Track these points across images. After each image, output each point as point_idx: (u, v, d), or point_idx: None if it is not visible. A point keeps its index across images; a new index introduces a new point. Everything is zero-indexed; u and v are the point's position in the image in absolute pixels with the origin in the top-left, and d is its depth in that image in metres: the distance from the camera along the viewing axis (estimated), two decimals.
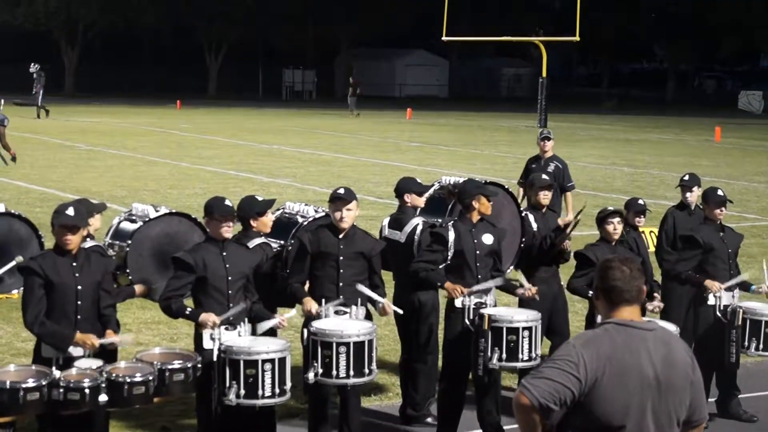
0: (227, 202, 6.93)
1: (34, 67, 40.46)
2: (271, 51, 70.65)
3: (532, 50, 63.58)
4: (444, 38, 44.47)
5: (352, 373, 6.90)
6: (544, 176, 9.11)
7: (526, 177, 12.30)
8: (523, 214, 9.03)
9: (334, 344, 6.87)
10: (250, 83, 68.76)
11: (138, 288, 7.64)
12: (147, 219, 8.30)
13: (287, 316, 7.09)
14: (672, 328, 7.21)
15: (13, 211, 9.42)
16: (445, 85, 74.07)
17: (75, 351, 6.39)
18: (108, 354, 6.61)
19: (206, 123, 40.51)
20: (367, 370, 6.98)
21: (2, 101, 18.24)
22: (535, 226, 8.79)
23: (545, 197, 8.88)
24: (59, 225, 6.39)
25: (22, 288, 7.61)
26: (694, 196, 9.74)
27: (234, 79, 69.02)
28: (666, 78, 75.28)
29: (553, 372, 4.18)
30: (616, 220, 8.14)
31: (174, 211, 8.73)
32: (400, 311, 7.80)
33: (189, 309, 6.83)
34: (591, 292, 7.90)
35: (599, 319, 4.47)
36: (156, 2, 66.02)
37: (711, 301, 8.32)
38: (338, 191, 7.39)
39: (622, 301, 4.33)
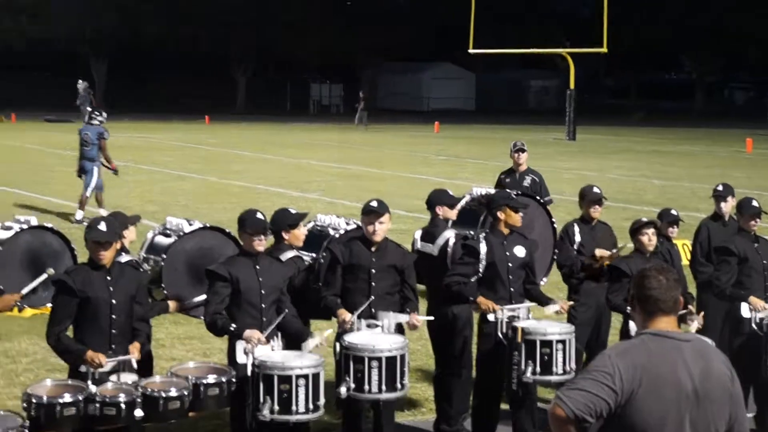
0: (259, 216, 6.93)
1: (82, 85, 40.76)
2: (299, 65, 70.90)
3: (558, 62, 63.39)
4: (470, 51, 44.46)
5: (384, 387, 6.86)
6: (596, 189, 9.00)
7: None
8: (554, 226, 9.00)
9: (366, 359, 6.84)
10: (278, 98, 69.00)
11: (172, 304, 7.66)
12: (181, 233, 8.34)
13: (326, 334, 7.07)
14: (708, 341, 7.14)
15: (45, 224, 9.49)
16: (471, 98, 74.02)
17: (108, 365, 6.39)
18: (143, 368, 6.62)
19: (234, 138, 40.67)
20: (399, 385, 6.94)
21: (104, 114, 18.56)
22: (578, 238, 8.72)
23: (596, 211, 8.83)
24: (92, 241, 6.41)
25: None
26: (728, 207, 9.65)
27: (262, 93, 69.29)
28: (694, 89, 74.94)
29: (588, 383, 4.15)
30: (651, 230, 8.05)
31: (208, 225, 8.77)
32: (431, 318, 7.77)
33: (233, 326, 6.79)
34: (629, 309, 7.85)
35: (634, 331, 4.45)
36: (185, 18, 66.39)
37: (746, 313, 8.24)
38: (371, 204, 7.38)
39: (659, 311, 4.30)
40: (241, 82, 70.25)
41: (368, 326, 7.27)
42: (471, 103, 73.31)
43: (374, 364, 6.84)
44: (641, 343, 4.25)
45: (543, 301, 7.93)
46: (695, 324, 7.89)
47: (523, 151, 12.72)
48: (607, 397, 4.12)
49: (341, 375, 6.96)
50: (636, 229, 8.11)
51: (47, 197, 21.20)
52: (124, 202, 20.25)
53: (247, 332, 6.71)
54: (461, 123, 53.44)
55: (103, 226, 6.42)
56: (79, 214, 17.76)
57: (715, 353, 4.37)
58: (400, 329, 7.43)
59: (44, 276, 7.04)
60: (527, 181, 12.19)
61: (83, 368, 6.36)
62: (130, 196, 21.47)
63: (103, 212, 16.93)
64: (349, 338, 7.00)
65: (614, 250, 8.70)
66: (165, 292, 8.05)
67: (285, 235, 7.49)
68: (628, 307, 7.61)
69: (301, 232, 7.58)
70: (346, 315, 7.22)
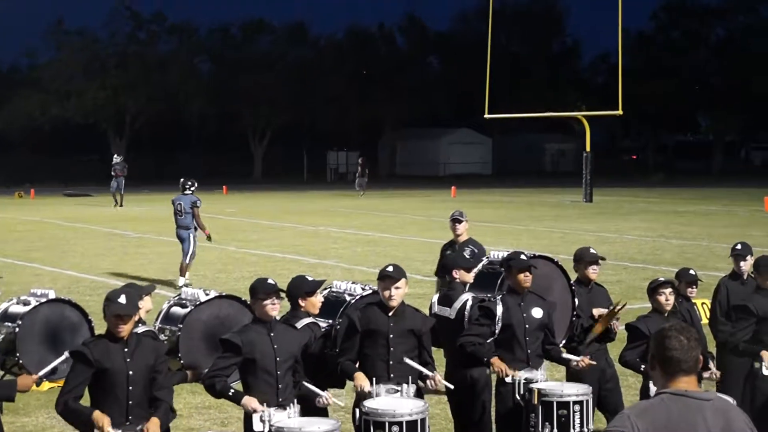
0: (270, 281, 6.95)
1: (117, 158, 41.72)
2: (316, 134, 71.52)
3: (574, 124, 63.69)
4: (486, 116, 44.71)
5: None
6: (593, 250, 9.00)
7: (440, 266, 10.24)
8: (573, 288, 8.95)
9: (387, 424, 6.78)
10: (295, 166, 69.50)
11: (190, 373, 7.63)
12: (197, 303, 8.33)
13: (333, 400, 7.03)
14: (730, 400, 7.07)
15: (63, 297, 9.50)
16: (488, 162, 74.35)
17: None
18: None
19: (252, 207, 40.84)
20: None
21: (195, 184, 19.05)
22: (576, 302, 8.71)
23: (594, 272, 8.80)
24: (112, 314, 6.40)
25: None
26: (747, 265, 9.60)
27: (279, 162, 69.81)
28: (712, 149, 75.00)
29: None
30: (668, 290, 8.01)
31: (224, 294, 8.77)
32: (451, 386, 7.73)
33: (233, 390, 6.82)
34: (643, 366, 7.80)
35: (653, 390, 4.40)
36: (202, 90, 67.31)
37: (766, 371, 8.16)
38: (387, 269, 7.39)
39: (680, 371, 4.25)
40: (257, 153, 70.82)
41: (387, 391, 7.23)
42: (488, 167, 73.63)
43: (395, 429, 6.78)
44: (661, 403, 4.20)
45: (563, 361, 7.91)
46: (711, 371, 7.83)
47: (459, 221, 11.89)
48: None
49: None
50: (653, 289, 8.08)
51: (64, 270, 21.28)
52: (142, 272, 20.32)
53: (245, 399, 6.73)
54: (478, 187, 53.57)
55: (123, 299, 6.42)
56: (181, 281, 18.43)
57: (736, 412, 4.32)
58: (419, 394, 7.38)
59: (62, 358, 7.04)
60: (467, 252, 11.21)
61: None
62: (149, 267, 21.53)
63: (182, 281, 18.16)
64: (369, 403, 6.96)
65: (612, 308, 8.65)
66: (182, 362, 8.02)
67: (301, 303, 7.49)
68: (643, 366, 7.59)
69: (317, 300, 7.58)
70: (364, 381, 7.18)
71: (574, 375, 8.22)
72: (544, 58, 75.36)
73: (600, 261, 8.88)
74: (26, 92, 65.02)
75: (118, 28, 68.90)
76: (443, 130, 73.40)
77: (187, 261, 18.72)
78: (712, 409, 4.19)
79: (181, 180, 19.43)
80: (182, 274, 18.71)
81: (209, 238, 19.17)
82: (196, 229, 18.81)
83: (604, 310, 8.60)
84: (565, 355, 7.98)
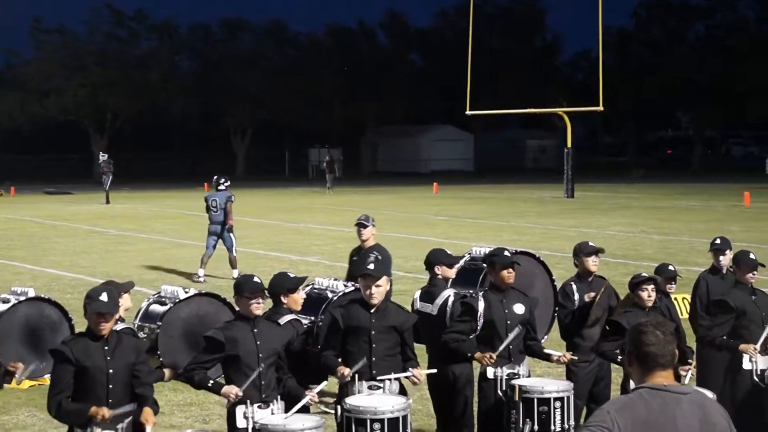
0: (256, 279, 6.94)
1: (102, 157, 41.71)
2: (297, 131, 71.42)
3: (556, 121, 63.83)
4: (468, 112, 44.76)
5: None
6: (591, 243, 8.99)
7: (349, 273, 10.46)
8: (555, 284, 8.97)
9: (369, 421, 6.78)
10: (277, 164, 69.38)
11: (167, 372, 7.62)
12: (177, 300, 8.32)
13: (317, 389, 7.05)
14: (710, 395, 7.10)
15: (43, 296, 9.47)
16: (470, 158, 74.43)
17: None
18: None
19: (234, 204, 40.70)
20: None
21: (228, 180, 19.91)
22: (577, 296, 8.68)
23: (594, 264, 8.77)
24: (94, 312, 6.38)
25: None
26: (726, 260, 9.65)
27: (261, 160, 69.68)
28: (692, 145, 75.32)
29: None
30: (651, 287, 8.04)
31: (203, 291, 8.76)
32: (434, 370, 7.73)
33: (212, 381, 6.84)
34: (620, 358, 7.84)
35: (632, 384, 4.41)
36: (183, 89, 67.13)
37: (747, 365, 8.21)
38: (368, 267, 7.39)
39: (657, 366, 4.27)
40: (239, 150, 70.69)
41: (369, 388, 7.23)
42: (470, 164, 73.70)
43: (377, 426, 6.78)
44: (639, 398, 4.22)
45: (545, 356, 7.94)
46: (688, 375, 7.87)
47: (364, 226, 11.28)
48: None
49: None
50: (636, 284, 8.10)
51: (45, 268, 21.19)
52: (122, 270, 20.24)
53: (225, 388, 6.74)
54: (460, 184, 53.61)
55: (104, 297, 6.40)
56: (234, 273, 18.77)
57: (713, 405, 4.34)
58: (402, 390, 7.38)
59: (32, 367, 7.01)
60: (370, 259, 10.38)
61: None
62: (129, 265, 21.47)
63: (236, 273, 18.54)
64: (351, 401, 6.95)
65: (602, 290, 8.66)
66: (161, 359, 8.01)
67: (284, 299, 7.50)
68: (621, 358, 7.63)
69: (299, 296, 7.59)
70: (344, 369, 7.19)
71: (572, 372, 8.27)
72: (525, 54, 75.45)
73: (599, 253, 8.85)
74: (5, 91, 64.72)
75: (98, 26, 68.62)
76: (425, 127, 73.42)
77: (234, 253, 19.38)
78: (689, 402, 4.22)
79: (215, 177, 19.97)
80: (233, 266, 19.28)
81: (231, 229, 19.72)
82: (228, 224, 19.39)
83: (592, 294, 8.61)
84: (547, 351, 8.01)
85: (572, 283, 8.79)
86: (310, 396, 6.95)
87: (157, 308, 8.31)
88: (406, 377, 7.35)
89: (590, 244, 8.94)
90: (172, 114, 67.99)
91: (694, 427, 4.16)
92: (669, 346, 4.28)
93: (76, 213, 36.56)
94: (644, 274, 8.25)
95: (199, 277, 19.19)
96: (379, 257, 10.69)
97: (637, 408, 4.17)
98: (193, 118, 68.86)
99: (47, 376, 9.25)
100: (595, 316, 8.46)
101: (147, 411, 6.44)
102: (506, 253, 7.96)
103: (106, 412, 6.28)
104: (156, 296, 8.52)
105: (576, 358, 8.07)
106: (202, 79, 68.77)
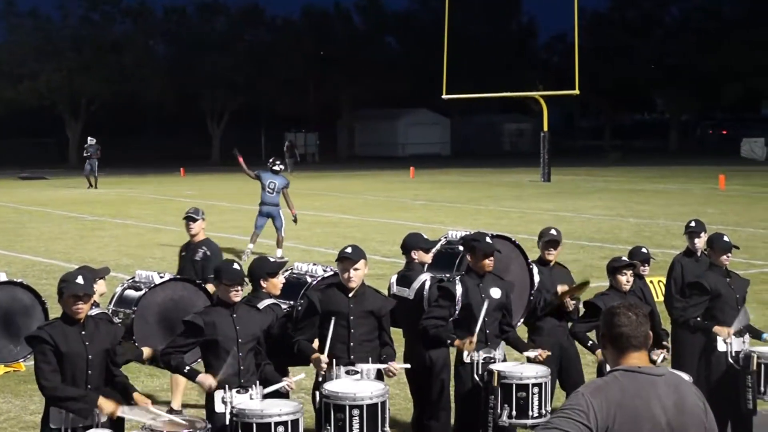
0: (236, 266, 6.92)
1: (90, 141, 41.58)
2: (273, 115, 71.16)
3: (533, 105, 63.92)
4: (444, 96, 44.75)
5: None
6: (553, 231, 9.02)
7: (180, 268, 10.31)
8: (531, 267, 8.98)
9: (347, 407, 6.77)
10: (253, 148, 69.11)
11: (146, 350, 7.62)
12: (152, 285, 8.28)
13: (295, 379, 7.06)
14: (685, 377, 7.15)
15: (15, 279, 9.40)
16: (447, 142, 74.44)
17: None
18: (116, 425, 6.53)
19: (210, 189, 40.63)
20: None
21: (283, 165, 20.92)
22: (537, 279, 8.75)
23: (549, 254, 8.84)
24: (70, 294, 6.34)
25: (28, 357, 7.57)
26: (701, 243, 9.70)
27: (237, 144, 69.32)
28: (668, 128, 75.65)
29: (562, 422, 4.14)
30: (630, 272, 8.11)
31: (179, 276, 8.73)
32: (408, 366, 7.75)
33: (188, 367, 6.86)
34: (590, 342, 7.89)
35: (608, 367, 4.44)
36: (158, 73, 66.72)
37: (722, 347, 8.27)
38: (346, 251, 7.38)
39: (630, 347, 4.30)
40: (215, 135, 70.40)
41: (347, 373, 7.23)
42: (447, 147, 73.72)
43: (355, 412, 6.77)
44: (614, 380, 4.24)
45: (521, 347, 7.94)
46: (661, 357, 7.92)
47: (194, 219, 10.64)
48: None
49: (322, 424, 6.91)
50: (615, 269, 8.14)
51: (19, 254, 21.07)
52: (97, 256, 20.16)
53: (201, 377, 6.76)
54: (437, 168, 53.65)
55: (80, 280, 6.36)
56: (278, 252, 19.34)
57: (687, 387, 4.37)
58: (379, 375, 7.39)
59: None
60: (199, 255, 10.36)
61: (60, 423, 6.28)
62: (105, 250, 21.38)
63: (279, 252, 19.25)
64: (329, 386, 6.95)
65: (574, 285, 8.73)
66: (136, 345, 7.99)
67: (263, 284, 7.50)
68: (591, 342, 7.67)
69: (278, 281, 7.59)
70: (321, 357, 7.19)
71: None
72: (501, 38, 75.44)
73: (557, 243, 8.87)
74: None
75: (71, 9, 68.06)
76: (402, 111, 73.33)
77: (283, 234, 19.88)
78: (664, 384, 4.25)
79: (271, 159, 20.62)
80: (279, 246, 19.72)
81: (295, 219, 20.34)
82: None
83: (566, 287, 8.66)
84: (526, 353, 7.89)
85: (534, 266, 8.83)
86: (287, 382, 6.95)
87: (131, 293, 8.26)
88: (382, 369, 7.35)
89: (551, 232, 8.91)
90: (148, 98, 67.55)
91: (669, 408, 4.19)
92: (642, 327, 4.31)
93: (52, 198, 36.35)
94: (624, 259, 8.29)
95: (248, 252, 19.26)
96: (208, 252, 10.35)
97: (612, 390, 4.20)
98: (169, 102, 68.43)
99: (21, 361, 9.19)
100: (552, 306, 8.52)
101: (138, 397, 6.50)
102: (487, 239, 7.93)
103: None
104: (130, 281, 8.47)
105: (550, 353, 8.04)
106: (177, 63, 68.40)
